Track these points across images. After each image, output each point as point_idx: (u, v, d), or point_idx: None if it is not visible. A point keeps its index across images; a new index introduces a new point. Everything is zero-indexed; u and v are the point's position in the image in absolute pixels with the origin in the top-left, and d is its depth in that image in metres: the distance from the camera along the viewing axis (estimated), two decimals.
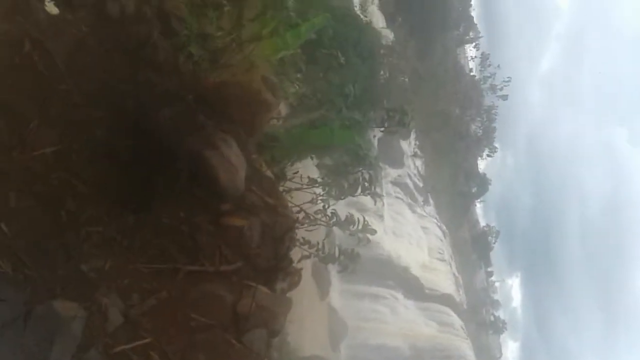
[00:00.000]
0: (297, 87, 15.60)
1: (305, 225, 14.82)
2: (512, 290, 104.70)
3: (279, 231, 8.23)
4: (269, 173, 9.26)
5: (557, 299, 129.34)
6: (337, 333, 46.41)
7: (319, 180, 16.62)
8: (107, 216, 6.54)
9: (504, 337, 77.65)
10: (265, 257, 8.28)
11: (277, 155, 13.17)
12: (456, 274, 64.52)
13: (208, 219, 7.25)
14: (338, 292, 48.27)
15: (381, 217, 51.34)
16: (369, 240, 17.91)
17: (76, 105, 6.87)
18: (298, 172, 16.47)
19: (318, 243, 17.88)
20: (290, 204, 14.19)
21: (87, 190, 6.63)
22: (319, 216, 16.99)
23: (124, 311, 6.42)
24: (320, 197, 17.37)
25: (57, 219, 6.41)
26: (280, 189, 13.02)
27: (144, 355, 6.46)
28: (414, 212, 60.38)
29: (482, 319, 71.03)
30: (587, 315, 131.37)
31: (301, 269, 11.16)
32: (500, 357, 74.08)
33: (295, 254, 15.00)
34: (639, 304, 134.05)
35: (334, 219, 16.37)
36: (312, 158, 19.59)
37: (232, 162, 7.17)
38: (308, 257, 17.46)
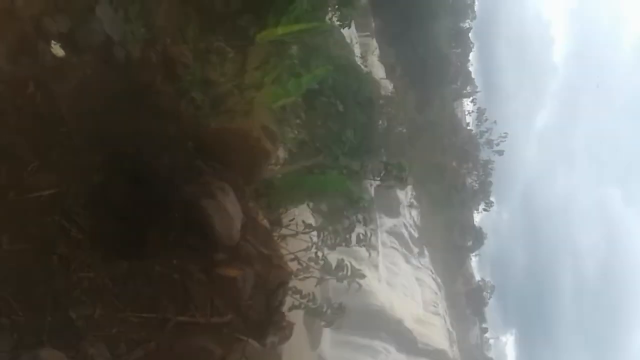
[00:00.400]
0: (296, 133, 15.72)
1: (300, 275, 14.68)
2: (506, 347, 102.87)
3: (272, 283, 8.10)
4: (265, 222, 9.18)
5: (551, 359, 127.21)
6: None
7: (314, 225, 16.55)
8: (99, 262, 6.42)
9: None
10: (257, 309, 8.12)
11: (273, 202, 13.14)
12: (450, 329, 63.57)
13: (201, 269, 7.13)
14: (329, 342, 47.34)
15: (376, 266, 50.90)
16: (359, 286, 17.79)
17: (76, 150, 6.86)
18: (294, 219, 16.43)
19: (309, 293, 17.67)
20: (284, 251, 14.10)
21: (80, 236, 6.54)
22: (311, 264, 16.87)
23: None
24: (315, 245, 17.27)
25: (48, 264, 6.29)
26: (275, 235, 12.95)
27: None
28: (408, 263, 59.91)
29: None
30: None
31: (294, 323, 10.97)
32: None
33: (287, 303, 14.76)
34: None
35: (325, 265, 16.31)
36: (308, 205, 19.59)
37: (228, 211, 7.11)
38: (299, 307, 17.22)
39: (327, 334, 44.97)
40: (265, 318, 8.14)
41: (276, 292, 8.09)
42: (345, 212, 17.79)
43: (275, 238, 12.01)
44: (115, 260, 6.57)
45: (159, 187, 6.66)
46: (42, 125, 7.03)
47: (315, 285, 17.23)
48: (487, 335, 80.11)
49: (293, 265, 17.30)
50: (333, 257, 17.92)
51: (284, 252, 13.22)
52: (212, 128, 8.37)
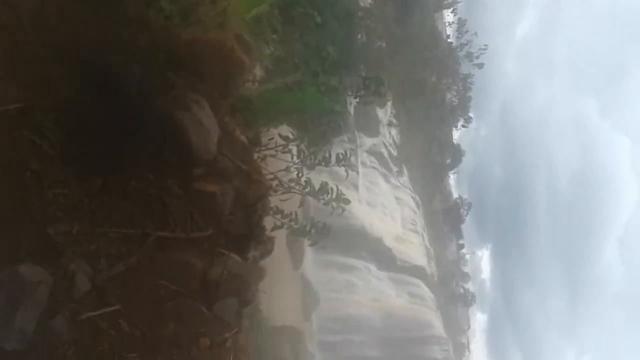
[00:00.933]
0: (273, 49, 15.22)
1: (279, 192, 14.63)
2: (481, 262, 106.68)
3: (251, 198, 8.04)
4: (242, 138, 8.99)
5: (524, 272, 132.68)
6: (309, 303, 46.88)
7: (293, 138, 16.26)
8: (73, 179, 6.24)
9: (472, 309, 79.40)
10: (237, 224, 8.10)
11: (250, 120, 12.89)
12: (428, 246, 65.45)
13: (178, 183, 7.01)
14: (312, 262, 48.55)
15: (356, 187, 51.52)
16: (343, 210, 17.88)
17: (42, 61, 6.50)
18: (273, 138, 16.23)
19: (291, 213, 17.75)
20: (264, 171, 13.99)
21: (52, 151, 6.31)
22: (292, 184, 16.84)
23: (91, 277, 6.20)
24: (295, 166, 17.18)
25: (20, 181, 6.10)
26: (255, 154, 12.79)
27: (112, 322, 6.27)
28: (388, 182, 60.70)
29: (451, 291, 72.35)
30: (553, 288, 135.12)
31: (274, 237, 11.03)
32: (468, 329, 75.76)
33: (268, 222, 14.90)
34: (604, 277, 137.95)
35: (308, 188, 16.22)
36: (287, 125, 19.33)
37: (204, 124, 6.91)
38: (281, 227, 17.33)
39: (309, 254, 46.02)
40: (245, 232, 8.15)
41: (255, 206, 8.05)
42: (321, 122, 17.51)
43: (255, 157, 11.88)
44: (89, 176, 6.40)
45: (131, 99, 6.39)
46: (6, 38, 6.63)
47: (299, 207, 17.27)
48: (463, 251, 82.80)
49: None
50: (315, 179, 17.93)
51: (264, 172, 13.12)
52: (183, 39, 7.99)
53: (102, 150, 6.38)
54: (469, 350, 71.50)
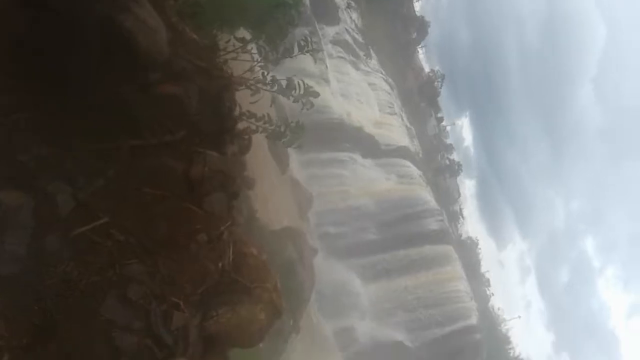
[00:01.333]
0: None
1: (243, 87, 14.47)
2: (462, 130, 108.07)
3: (215, 91, 7.96)
4: (195, 37, 8.74)
5: (505, 131, 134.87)
6: (303, 202, 47.75)
7: (249, 39, 15.81)
8: (28, 101, 6.12)
9: (460, 178, 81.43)
10: (207, 121, 8.07)
11: (203, 23, 12.47)
12: (408, 125, 65.86)
13: (138, 89, 6.89)
14: (298, 163, 48.98)
15: (327, 80, 50.93)
16: (312, 105, 17.80)
17: None
18: (230, 40, 15.78)
19: (264, 115, 17.66)
20: (227, 75, 13.73)
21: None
22: (260, 85, 16.62)
23: (73, 195, 6.25)
24: (258, 64, 16.84)
25: None
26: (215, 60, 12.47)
27: (104, 234, 6.41)
28: (357, 69, 59.96)
29: (438, 164, 73.74)
30: (535, 142, 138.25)
31: (249, 129, 11.03)
32: (459, 197, 78.04)
33: (242, 127, 14.89)
34: (581, 119, 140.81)
35: (275, 86, 16.07)
36: (242, 27, 18.72)
37: (148, 24, 6.66)
38: (256, 131, 17.33)
39: (294, 157, 46.33)
40: (218, 128, 8.15)
41: (221, 98, 7.99)
42: (276, 16, 16.96)
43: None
44: (44, 97, 6.27)
45: (65, 8, 6.10)
46: None
47: (270, 106, 17.14)
48: (443, 123, 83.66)
49: (243, 92, 17.08)
50: (282, 76, 17.63)
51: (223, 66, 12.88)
52: None
53: (50, 67, 6.19)
54: (462, 217, 74.18)
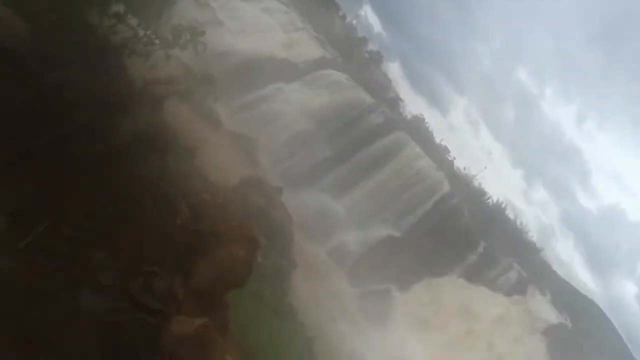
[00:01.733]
0: None
1: (127, 50, 14.00)
2: (368, 19, 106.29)
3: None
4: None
5: (406, 1, 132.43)
6: (249, 150, 47.37)
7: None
8: None
9: (384, 65, 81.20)
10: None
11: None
12: (316, 34, 64.89)
13: None
14: (227, 115, 48.13)
15: (220, 23, 49.41)
16: (205, 46, 17.43)
17: None
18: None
19: (169, 77, 17.27)
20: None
21: None
22: (149, 47, 16.13)
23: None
24: (140, 27, 16.24)
25: None
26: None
27: (53, 236, 6.25)
28: (246, 0, 58.23)
29: (358, 61, 73.25)
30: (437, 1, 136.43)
31: (159, 95, 10.75)
32: (390, 83, 78.06)
33: (157, 92, 14.52)
34: None
35: (158, 41, 15.69)
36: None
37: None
38: (171, 95, 17.07)
39: (221, 111, 45.40)
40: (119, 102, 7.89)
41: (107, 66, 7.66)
42: None
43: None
44: None
45: None
46: None
47: (168, 60, 16.57)
48: (347, 20, 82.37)
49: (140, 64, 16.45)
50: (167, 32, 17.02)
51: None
52: None
53: None
54: (401, 100, 74.68)
